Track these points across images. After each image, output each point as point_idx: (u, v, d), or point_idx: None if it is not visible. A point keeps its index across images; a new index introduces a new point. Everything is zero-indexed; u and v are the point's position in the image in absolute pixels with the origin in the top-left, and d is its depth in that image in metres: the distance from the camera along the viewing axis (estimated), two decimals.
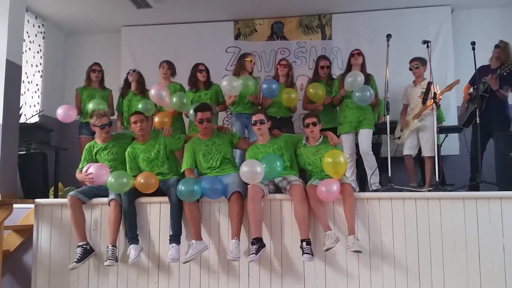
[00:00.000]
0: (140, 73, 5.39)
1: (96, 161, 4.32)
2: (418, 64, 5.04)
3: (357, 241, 3.62)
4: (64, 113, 4.76)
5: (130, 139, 4.43)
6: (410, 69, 5.09)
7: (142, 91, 5.31)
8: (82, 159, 4.41)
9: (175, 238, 3.87)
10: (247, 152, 4.24)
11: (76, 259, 3.87)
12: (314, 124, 4.09)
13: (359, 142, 4.83)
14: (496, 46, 4.87)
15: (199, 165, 4.21)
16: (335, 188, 3.71)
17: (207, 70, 5.17)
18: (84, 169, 4.17)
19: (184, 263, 3.79)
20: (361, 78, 4.60)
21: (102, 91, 5.48)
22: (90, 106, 4.94)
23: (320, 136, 4.15)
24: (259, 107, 5.08)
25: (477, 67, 4.85)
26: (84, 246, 3.95)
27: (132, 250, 3.87)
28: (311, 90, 4.86)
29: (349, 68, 4.93)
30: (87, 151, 4.38)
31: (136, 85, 5.32)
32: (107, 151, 4.33)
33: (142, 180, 3.94)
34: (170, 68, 5.28)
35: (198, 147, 4.21)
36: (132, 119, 4.24)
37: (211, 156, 4.17)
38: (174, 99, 4.77)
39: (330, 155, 3.84)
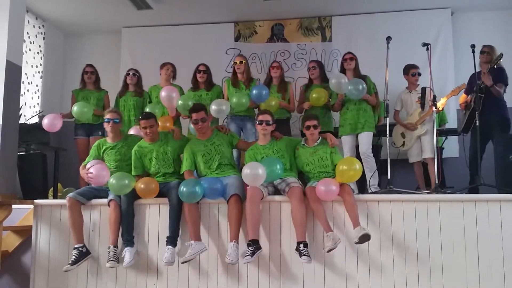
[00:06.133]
0: (139, 76, 5.40)
1: (103, 159, 4.32)
2: (419, 71, 5.10)
3: (363, 230, 3.55)
4: (50, 122, 4.69)
5: (139, 141, 4.41)
6: (413, 75, 5.08)
7: (139, 93, 5.32)
8: (89, 154, 4.42)
9: (172, 240, 3.86)
10: (247, 152, 4.24)
11: (71, 261, 3.86)
12: (315, 127, 4.10)
13: (359, 144, 4.82)
14: (482, 52, 4.86)
15: (199, 166, 4.21)
16: (334, 187, 3.72)
17: (208, 71, 5.17)
18: (88, 165, 4.19)
19: (182, 263, 3.79)
20: (344, 79, 4.60)
21: (97, 92, 5.47)
22: (75, 109, 4.88)
23: (319, 138, 4.16)
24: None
25: (471, 74, 4.92)
26: (80, 249, 3.94)
27: (127, 253, 3.86)
28: (314, 95, 4.84)
29: (343, 72, 4.94)
30: (96, 147, 4.37)
31: (134, 87, 5.34)
32: (115, 150, 4.32)
33: (142, 186, 3.93)
34: (173, 70, 5.31)
35: (197, 148, 4.21)
36: (142, 124, 4.19)
37: (210, 157, 4.16)
38: (180, 102, 4.76)
39: (345, 162, 3.85)
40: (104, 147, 4.35)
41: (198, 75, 5.13)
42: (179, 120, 5.19)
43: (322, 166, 4.04)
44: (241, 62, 5.07)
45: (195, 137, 4.35)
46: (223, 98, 5.12)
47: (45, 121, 4.71)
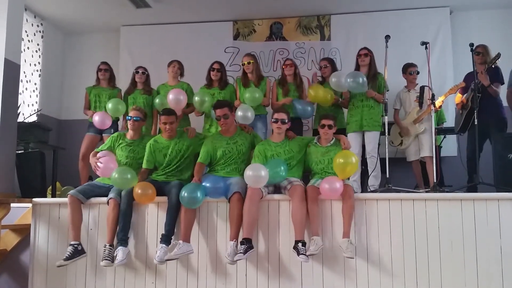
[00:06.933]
0: (148, 75, 5.40)
1: (114, 152, 4.36)
2: (417, 70, 5.08)
3: (351, 245, 3.59)
4: (101, 120, 4.93)
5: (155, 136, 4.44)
6: (411, 74, 5.07)
7: (148, 91, 5.33)
8: (104, 143, 4.50)
9: (166, 238, 3.86)
10: (257, 146, 4.20)
11: (65, 257, 3.83)
12: (330, 127, 4.10)
13: (365, 143, 4.80)
14: (477, 53, 4.84)
15: (214, 159, 4.19)
16: (338, 185, 3.72)
17: (222, 70, 5.17)
18: (99, 154, 4.26)
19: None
20: (343, 78, 4.57)
21: (110, 89, 5.46)
22: (109, 106, 4.96)
23: (333, 138, 4.15)
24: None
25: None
26: (76, 246, 3.91)
27: (120, 252, 3.84)
28: (311, 92, 4.84)
29: (357, 68, 4.90)
30: (113, 138, 4.42)
31: (143, 85, 5.35)
32: (131, 148, 4.35)
33: (139, 191, 3.90)
34: (180, 67, 5.32)
35: (219, 143, 4.20)
36: (163, 119, 4.23)
37: (230, 155, 4.16)
38: (196, 98, 4.80)
39: (342, 155, 3.86)
40: (120, 141, 4.39)
41: (212, 73, 5.12)
42: (188, 116, 5.21)
43: (331, 167, 4.00)
44: (249, 63, 5.06)
45: (219, 131, 4.34)
46: (236, 97, 5.14)
47: (96, 118, 4.92)
